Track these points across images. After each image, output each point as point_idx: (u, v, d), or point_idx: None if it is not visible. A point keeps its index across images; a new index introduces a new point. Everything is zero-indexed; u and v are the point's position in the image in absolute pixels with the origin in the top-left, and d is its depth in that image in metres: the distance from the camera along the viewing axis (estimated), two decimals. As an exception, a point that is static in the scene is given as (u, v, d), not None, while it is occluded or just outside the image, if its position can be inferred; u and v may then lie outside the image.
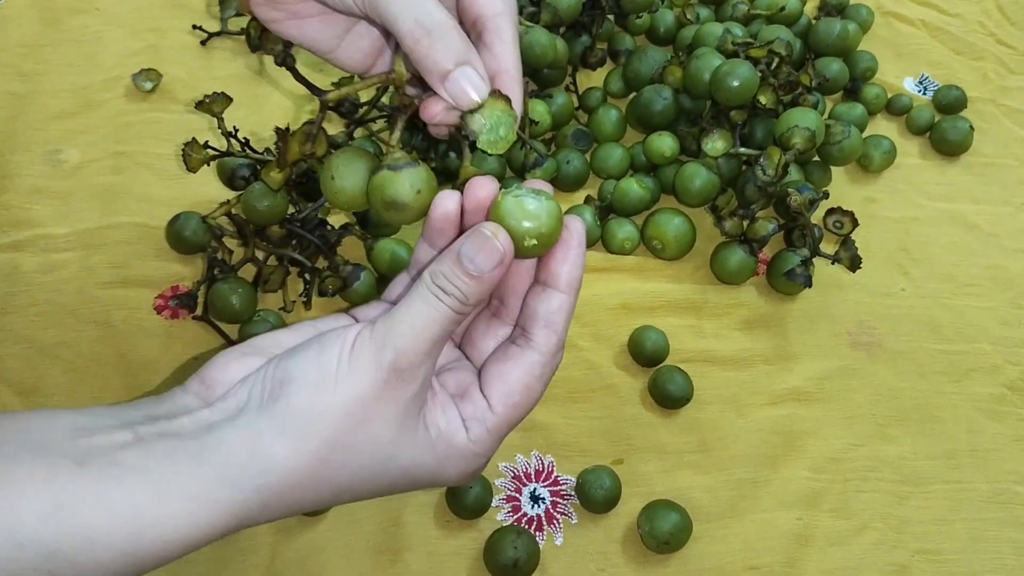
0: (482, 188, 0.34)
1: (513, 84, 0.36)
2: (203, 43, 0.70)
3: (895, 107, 0.71)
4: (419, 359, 0.32)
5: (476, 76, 0.34)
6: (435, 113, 0.35)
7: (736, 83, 0.59)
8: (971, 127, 0.69)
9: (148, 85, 0.67)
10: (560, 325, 0.35)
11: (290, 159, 0.41)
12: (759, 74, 0.60)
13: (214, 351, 0.56)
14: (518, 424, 0.36)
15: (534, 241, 0.33)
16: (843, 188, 0.67)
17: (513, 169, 0.65)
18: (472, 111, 0.34)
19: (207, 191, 0.62)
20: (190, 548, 0.31)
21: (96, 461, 0.30)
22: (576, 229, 0.35)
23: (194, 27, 0.70)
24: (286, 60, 0.42)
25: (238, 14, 0.69)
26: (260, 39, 0.71)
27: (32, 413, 0.32)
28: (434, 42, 0.33)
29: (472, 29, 0.37)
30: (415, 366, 0.32)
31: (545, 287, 0.35)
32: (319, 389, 0.32)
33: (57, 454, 0.30)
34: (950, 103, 0.72)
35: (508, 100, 0.35)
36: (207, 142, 0.56)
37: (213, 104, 0.56)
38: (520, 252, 0.33)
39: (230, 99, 0.56)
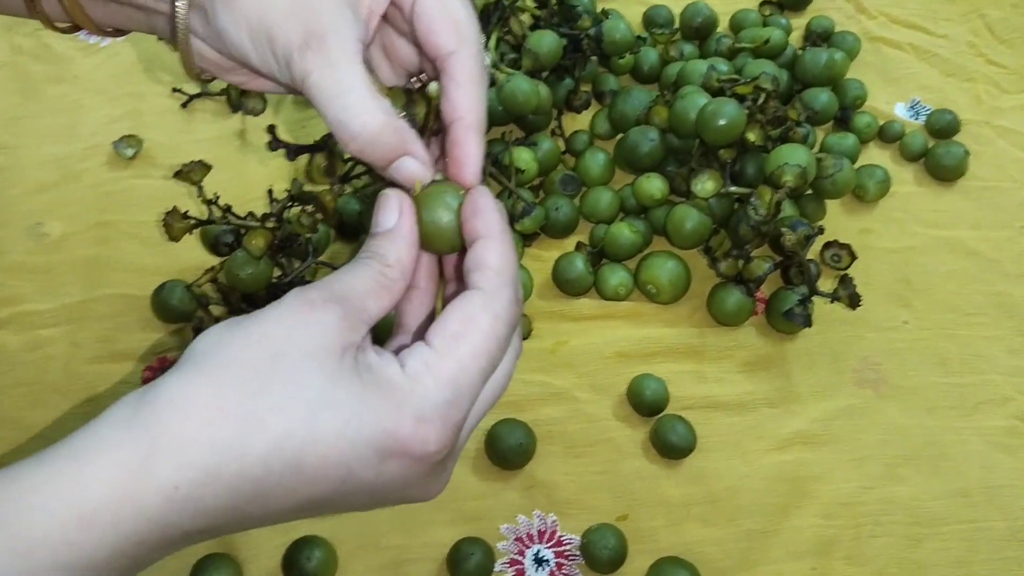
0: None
1: (468, 133, 0.35)
2: (184, 106, 0.69)
3: (887, 134, 0.70)
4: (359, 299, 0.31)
5: (415, 164, 0.34)
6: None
7: (723, 122, 0.58)
8: (966, 152, 0.68)
9: (129, 152, 0.66)
10: (492, 262, 0.32)
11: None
12: (746, 111, 0.59)
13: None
14: (475, 375, 0.31)
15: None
16: (839, 220, 0.66)
17: (502, 218, 0.64)
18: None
19: (193, 257, 0.61)
20: None
21: None
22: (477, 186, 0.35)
23: (174, 90, 0.69)
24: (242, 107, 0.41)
25: (218, 75, 0.69)
26: (241, 99, 0.70)
27: None
28: (362, 148, 0.33)
29: (434, 66, 0.36)
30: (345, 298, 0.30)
31: (472, 244, 0.33)
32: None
33: None
34: (943, 127, 0.70)
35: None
36: (187, 212, 0.55)
37: (192, 173, 0.55)
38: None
39: (209, 167, 0.55)
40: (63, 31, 0.41)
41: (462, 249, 0.34)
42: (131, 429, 0.28)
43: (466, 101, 0.35)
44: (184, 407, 0.28)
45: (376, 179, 0.53)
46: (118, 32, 0.42)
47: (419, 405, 0.29)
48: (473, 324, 0.31)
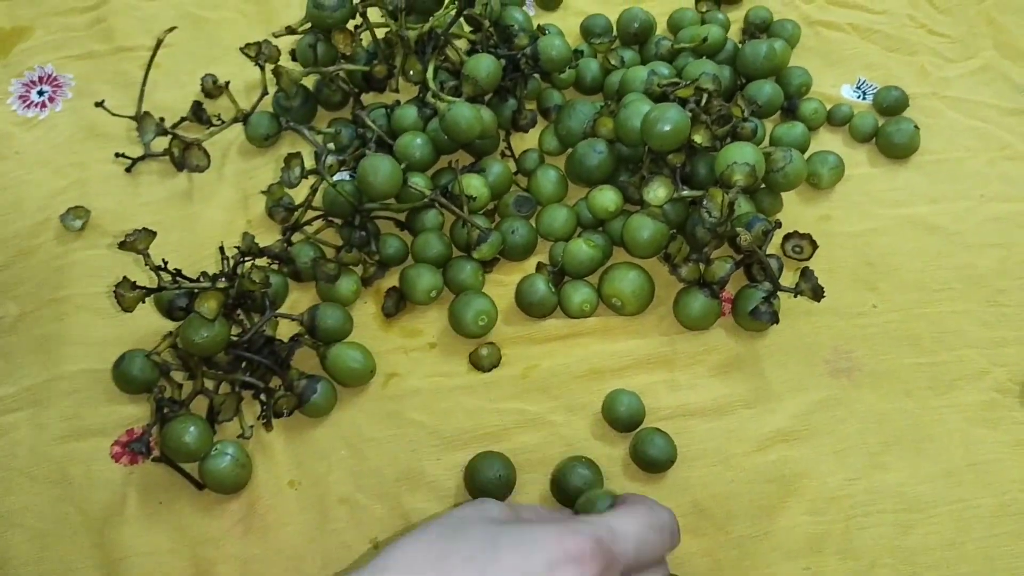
0: None
1: None
2: (128, 170, 0.68)
3: (836, 118, 0.70)
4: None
5: None
6: None
7: (667, 127, 0.58)
8: (916, 127, 0.68)
9: (77, 224, 0.65)
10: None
11: None
12: (689, 114, 0.59)
13: (181, 494, 0.54)
14: (630, 525, 0.43)
15: None
16: (796, 209, 0.66)
17: (459, 247, 0.63)
18: None
19: (151, 323, 0.60)
20: None
21: None
22: None
23: (117, 155, 0.68)
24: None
25: (159, 135, 0.68)
26: (184, 156, 0.70)
27: None
28: None
29: None
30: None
31: None
32: None
33: None
34: (891, 104, 0.70)
35: None
36: (135, 282, 0.54)
37: (137, 242, 0.54)
38: None
39: (153, 233, 0.55)
40: None
41: None
42: None
43: None
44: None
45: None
46: None
47: (577, 527, 0.39)
48: (627, 501, 0.46)
